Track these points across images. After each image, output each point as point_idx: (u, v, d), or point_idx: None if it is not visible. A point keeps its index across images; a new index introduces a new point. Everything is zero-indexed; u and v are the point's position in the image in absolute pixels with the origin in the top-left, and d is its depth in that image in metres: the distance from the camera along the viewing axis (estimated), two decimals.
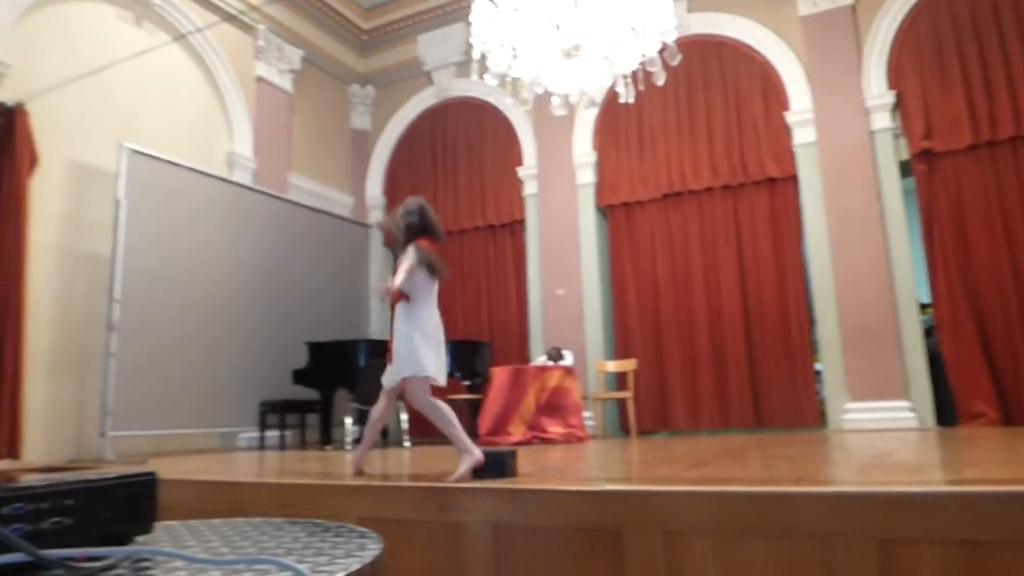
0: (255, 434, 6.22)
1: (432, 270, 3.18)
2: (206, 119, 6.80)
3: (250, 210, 6.65)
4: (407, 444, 5.76)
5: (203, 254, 6.11)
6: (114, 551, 0.69)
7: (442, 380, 3.15)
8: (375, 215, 8.47)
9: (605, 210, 7.30)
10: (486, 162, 7.95)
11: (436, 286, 3.23)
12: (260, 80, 7.35)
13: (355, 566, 0.69)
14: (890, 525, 1.86)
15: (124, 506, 0.80)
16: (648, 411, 6.72)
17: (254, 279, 6.56)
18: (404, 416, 5.90)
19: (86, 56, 5.68)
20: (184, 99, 6.59)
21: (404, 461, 4.12)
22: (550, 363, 6.16)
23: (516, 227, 7.73)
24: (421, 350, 3.08)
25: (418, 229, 3.24)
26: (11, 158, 4.93)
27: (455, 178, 8.09)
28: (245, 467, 4.01)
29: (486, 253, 7.86)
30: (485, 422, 5.62)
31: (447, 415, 3.07)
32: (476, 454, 2.94)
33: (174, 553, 0.71)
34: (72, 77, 5.49)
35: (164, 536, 0.89)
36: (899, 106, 6.18)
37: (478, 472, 2.87)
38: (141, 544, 0.83)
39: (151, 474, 0.85)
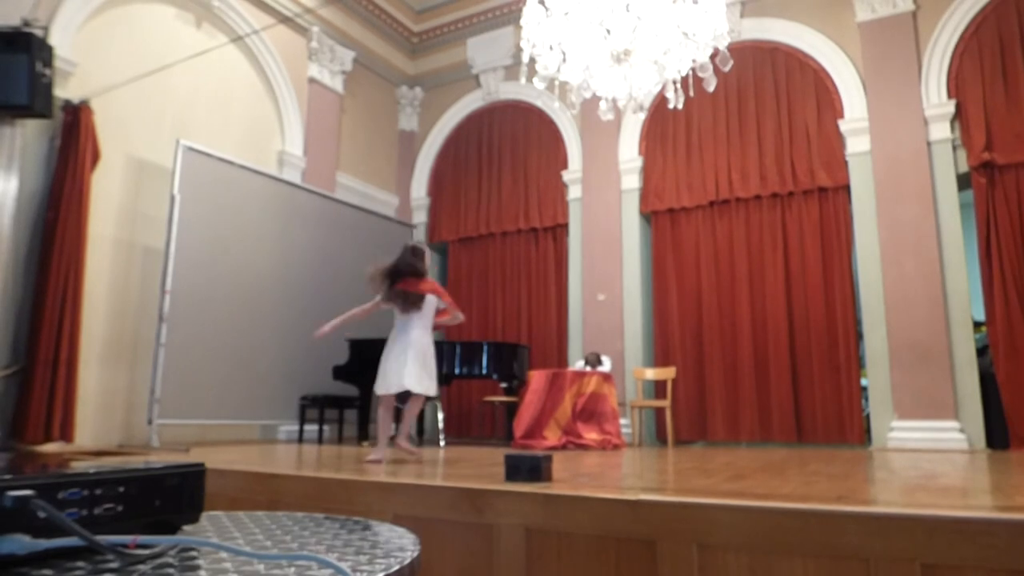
0: (295, 427, 6.34)
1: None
2: (259, 118, 6.97)
3: (298, 208, 6.79)
4: (443, 443, 5.81)
5: (252, 250, 6.26)
6: (162, 540, 0.71)
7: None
8: (420, 215, 8.57)
9: (649, 216, 7.25)
10: (531, 165, 7.96)
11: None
12: (312, 81, 7.51)
13: (395, 567, 0.70)
14: (934, 550, 1.80)
15: (173, 495, 0.83)
16: (686, 421, 6.64)
17: (299, 275, 6.69)
18: (441, 416, 5.95)
19: (147, 56, 5.88)
20: (239, 99, 6.77)
21: (439, 460, 4.16)
22: (588, 368, 6.14)
23: (559, 231, 7.72)
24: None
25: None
26: (76, 153, 5.13)
27: (499, 181, 8.13)
28: (284, 459, 4.09)
29: (528, 256, 7.87)
30: (521, 425, 5.62)
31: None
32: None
33: (220, 545, 0.74)
34: (134, 76, 5.69)
35: (210, 526, 0.92)
36: (959, 116, 5.99)
37: (512, 474, 2.87)
38: (188, 534, 0.86)
39: (200, 465, 0.88)
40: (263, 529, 0.90)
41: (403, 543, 0.83)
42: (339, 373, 6.03)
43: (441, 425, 5.95)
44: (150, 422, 5.27)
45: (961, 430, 5.51)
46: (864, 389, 6.19)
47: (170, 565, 0.70)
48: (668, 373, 6.49)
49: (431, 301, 4.16)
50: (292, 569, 0.68)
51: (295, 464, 3.75)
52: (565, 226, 7.64)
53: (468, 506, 2.55)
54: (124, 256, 5.64)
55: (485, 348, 6.24)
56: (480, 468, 3.47)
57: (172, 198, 5.58)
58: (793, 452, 5.26)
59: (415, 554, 0.77)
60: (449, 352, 6.20)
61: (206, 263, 5.80)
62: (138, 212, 5.74)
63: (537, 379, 5.79)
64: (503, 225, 7.98)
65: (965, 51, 6.03)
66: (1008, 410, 5.44)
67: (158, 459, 0.96)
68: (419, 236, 8.44)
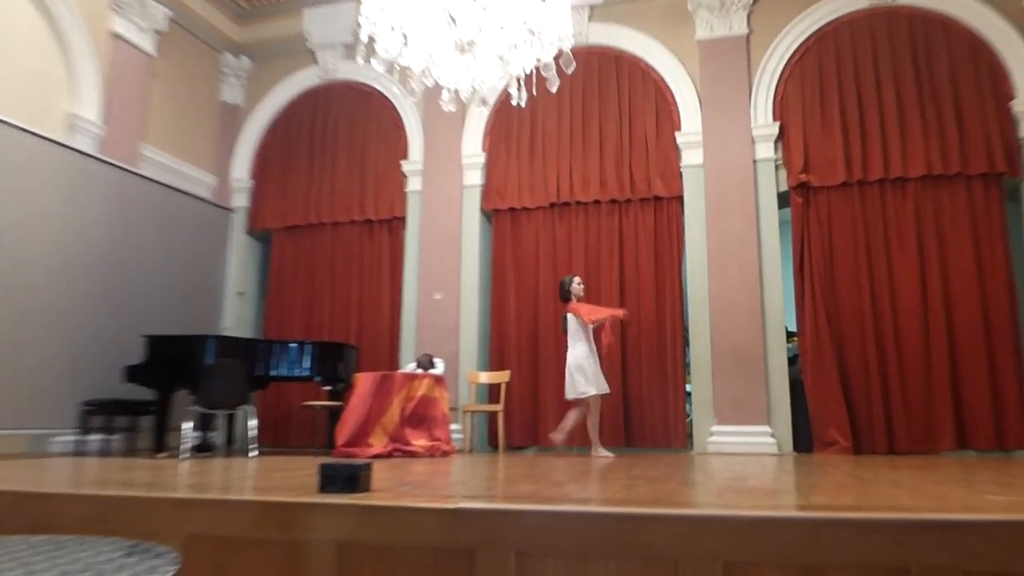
0: (73, 437, 5.73)
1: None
2: (43, 74, 6.23)
3: (91, 182, 6.16)
4: (254, 453, 5.53)
5: (28, 228, 5.58)
6: None
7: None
8: (240, 198, 8.10)
9: (491, 214, 7.37)
10: (368, 153, 7.81)
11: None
12: (116, 37, 6.84)
13: None
14: (736, 548, 1.97)
15: None
16: (520, 426, 6.80)
17: (90, 260, 6.07)
18: (252, 423, 5.66)
19: None
20: (18, 48, 6.01)
21: (247, 471, 3.94)
22: (420, 371, 6.13)
23: (396, 224, 7.64)
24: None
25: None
26: None
27: (333, 166, 7.90)
28: (58, 476, 3.68)
29: (361, 250, 7.72)
30: (343, 432, 5.48)
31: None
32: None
33: None
34: None
35: None
36: (782, 138, 6.66)
37: (327, 485, 2.79)
38: None
39: None
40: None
41: (157, 563, 0.76)
42: (134, 374, 5.54)
43: (253, 433, 5.65)
44: None
45: (772, 435, 6.12)
46: (688, 395, 6.70)
47: None
48: (502, 377, 6.61)
49: (571, 320, 5.75)
50: None
51: (72, 481, 3.38)
52: (402, 219, 7.57)
53: (274, 522, 2.43)
54: None
55: (306, 348, 6.03)
56: (292, 479, 3.34)
57: None
58: (621, 457, 5.55)
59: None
60: (265, 352, 5.93)
61: None
62: None
63: (363, 382, 5.68)
64: (335, 215, 7.76)
65: (790, 77, 6.72)
66: (813, 415, 6.13)
67: None
68: (239, 221, 8.00)
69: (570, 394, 5.71)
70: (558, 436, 5.86)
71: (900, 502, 2.38)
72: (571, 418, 5.83)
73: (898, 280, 6.18)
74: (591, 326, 5.73)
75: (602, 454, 5.66)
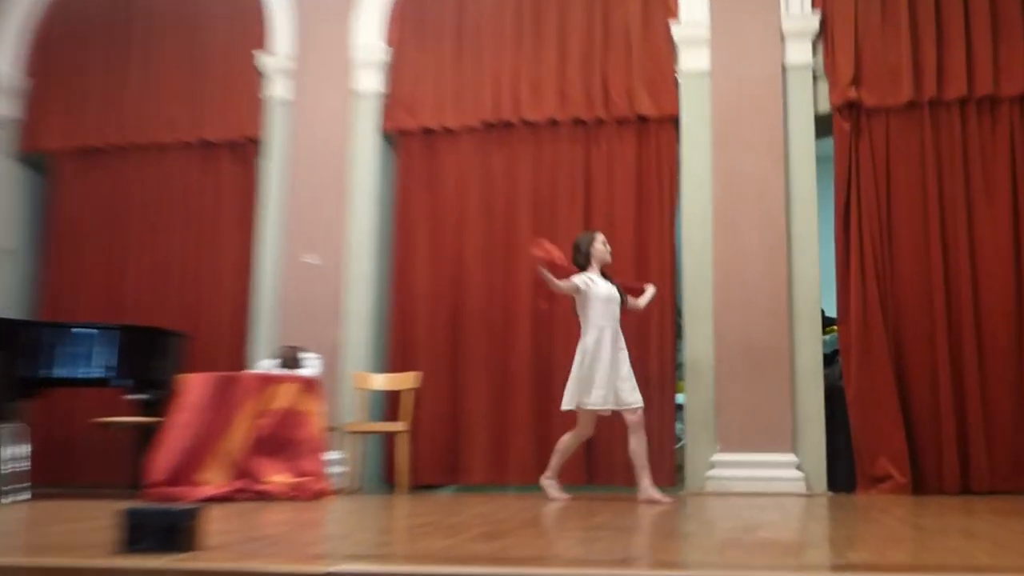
0: None
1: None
2: None
3: None
4: (19, 497, 5.40)
5: None
6: None
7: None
8: (4, 104, 7.82)
9: (394, 137, 7.31)
10: (206, 41, 7.68)
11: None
12: None
13: None
14: None
15: None
16: (432, 454, 6.82)
17: None
18: (17, 450, 5.54)
19: None
20: None
21: (11, 525, 3.85)
22: (282, 372, 6.08)
23: (248, 149, 7.54)
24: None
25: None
26: None
27: (149, 61, 7.76)
28: None
29: (193, 186, 7.61)
30: (162, 462, 5.38)
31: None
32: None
33: None
34: None
35: None
36: (824, 35, 6.73)
37: (134, 541, 2.74)
38: None
39: None
40: None
41: None
42: None
43: (20, 466, 5.53)
44: None
45: (798, 466, 6.26)
46: (679, 409, 6.80)
47: None
48: (407, 381, 6.61)
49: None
50: None
51: None
52: (258, 143, 7.45)
53: None
54: None
55: (104, 336, 5.93)
56: (80, 534, 3.30)
57: None
58: (578, 499, 5.62)
59: None
60: (38, 341, 5.80)
61: None
62: None
63: (195, 388, 5.62)
64: (152, 133, 7.62)
65: None
66: (857, 439, 6.28)
67: None
68: (1, 139, 7.73)
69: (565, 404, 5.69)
70: (549, 485, 5.83)
71: (975, 560, 2.46)
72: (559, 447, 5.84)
73: (984, 247, 6.35)
74: (593, 303, 5.58)
75: (553, 494, 5.71)
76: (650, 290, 5.96)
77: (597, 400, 5.46)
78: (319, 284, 7.05)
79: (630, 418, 5.49)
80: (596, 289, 5.56)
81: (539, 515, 4.37)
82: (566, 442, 5.74)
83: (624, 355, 5.58)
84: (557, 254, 5.53)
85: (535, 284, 5.82)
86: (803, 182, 6.63)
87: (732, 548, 2.80)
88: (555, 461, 5.77)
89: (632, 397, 5.50)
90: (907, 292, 6.43)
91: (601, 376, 5.46)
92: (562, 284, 5.53)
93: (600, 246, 5.72)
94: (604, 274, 5.71)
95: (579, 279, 5.55)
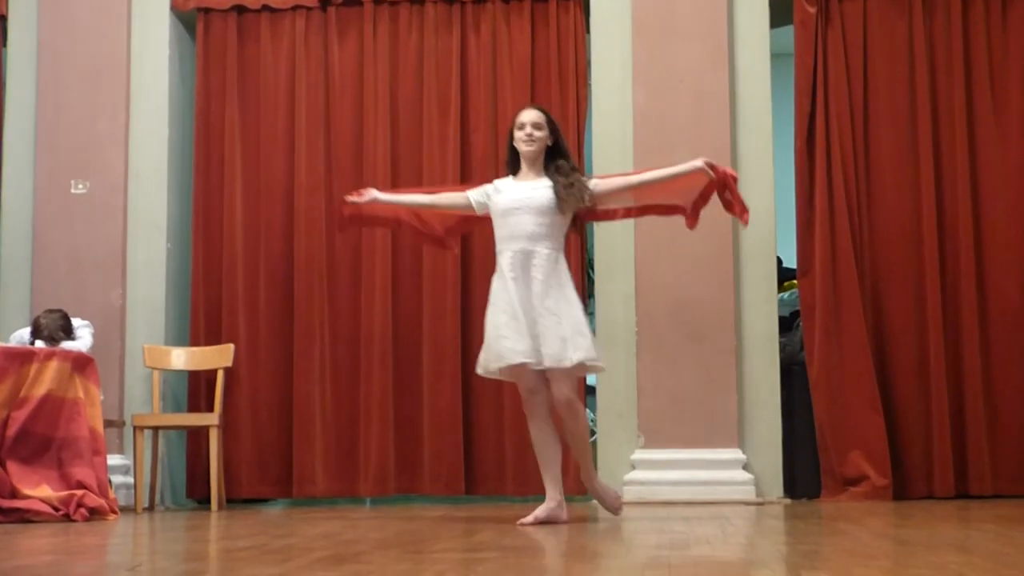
0: None
1: None
2: None
3: None
4: None
5: None
6: None
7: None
8: None
9: (194, 16, 7.23)
10: None
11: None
12: None
13: None
14: None
15: None
16: (255, 456, 6.82)
17: None
18: None
19: None
20: None
21: None
22: (40, 345, 6.05)
23: None
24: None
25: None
26: None
27: None
28: None
29: None
30: None
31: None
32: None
33: None
34: None
35: None
36: None
37: None
38: None
39: None
40: None
41: None
42: None
43: None
44: None
45: (746, 465, 6.36)
46: (588, 393, 6.87)
47: None
48: (218, 357, 6.62)
49: None
50: None
51: None
52: (1, 21, 7.25)
53: None
54: None
55: None
56: None
57: None
58: (454, 511, 5.67)
59: None
60: None
61: None
62: None
63: None
64: None
65: None
66: (822, 429, 6.39)
67: None
68: None
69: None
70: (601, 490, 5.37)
71: None
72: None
73: (989, 174, 6.51)
74: (495, 221, 5.23)
75: (609, 503, 5.30)
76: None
77: (503, 355, 4.96)
78: (93, 224, 6.95)
79: (555, 388, 4.94)
80: (497, 201, 5.22)
81: (401, 532, 4.38)
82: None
83: (557, 291, 4.99)
84: None
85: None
86: (753, 85, 6.73)
87: (656, 570, 2.81)
88: (580, 460, 5.24)
89: (559, 349, 4.87)
90: (889, 235, 6.57)
91: (506, 321, 5.01)
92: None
93: (517, 132, 5.23)
94: (559, 169, 5.15)
95: (475, 193, 5.31)
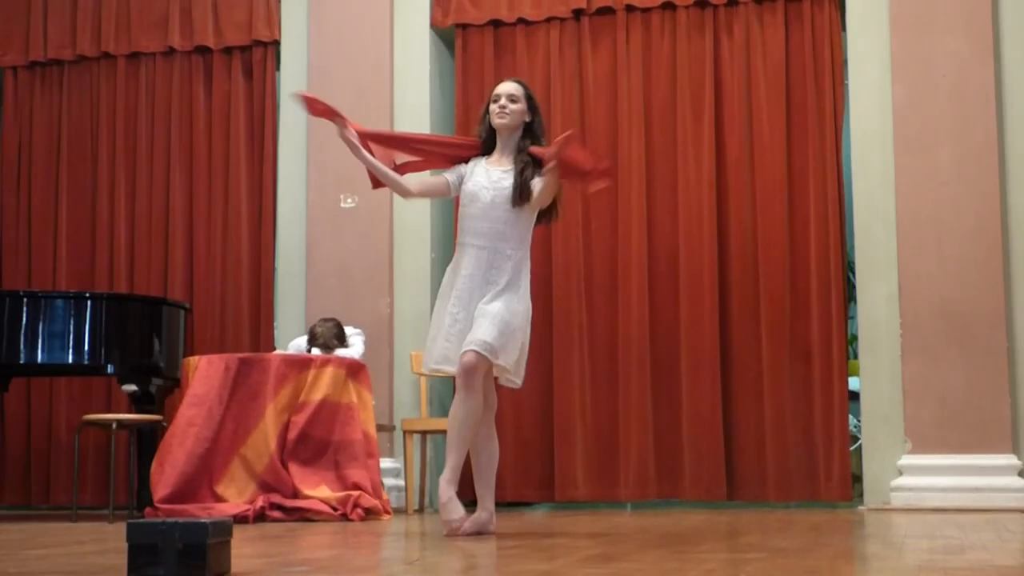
0: None
1: None
2: None
3: None
4: None
5: None
6: None
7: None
8: None
9: (452, 34, 7.38)
10: None
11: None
12: None
13: None
14: None
15: None
16: (520, 460, 6.94)
17: None
18: None
19: None
20: None
21: None
22: (316, 352, 6.17)
23: (257, 55, 7.66)
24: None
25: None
26: None
27: None
28: None
29: (189, 107, 7.74)
30: (167, 474, 5.51)
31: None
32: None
33: None
34: None
35: None
36: None
37: (139, 566, 2.85)
38: None
39: None
40: None
41: None
42: None
43: None
44: None
45: (1022, 472, 6.21)
46: (852, 398, 6.80)
47: None
48: None
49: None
50: None
51: None
52: (275, 46, 7.58)
53: None
54: None
55: (81, 306, 6.10)
56: (71, 559, 3.41)
57: None
58: (716, 515, 5.66)
59: None
60: None
61: None
62: None
63: (205, 375, 5.72)
64: (129, 39, 7.73)
65: None
66: None
67: None
68: None
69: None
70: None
71: None
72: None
73: None
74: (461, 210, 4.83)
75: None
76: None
77: (434, 358, 4.64)
78: (360, 237, 7.17)
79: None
80: (465, 185, 4.76)
81: (665, 534, 4.39)
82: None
83: (497, 290, 4.50)
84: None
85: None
86: (1020, 74, 6.57)
87: (930, 573, 2.81)
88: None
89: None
90: None
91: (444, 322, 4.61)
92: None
93: (492, 105, 4.76)
94: (534, 158, 4.61)
95: (452, 173, 4.84)
